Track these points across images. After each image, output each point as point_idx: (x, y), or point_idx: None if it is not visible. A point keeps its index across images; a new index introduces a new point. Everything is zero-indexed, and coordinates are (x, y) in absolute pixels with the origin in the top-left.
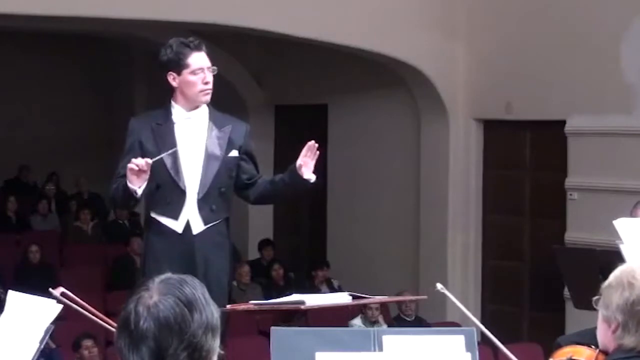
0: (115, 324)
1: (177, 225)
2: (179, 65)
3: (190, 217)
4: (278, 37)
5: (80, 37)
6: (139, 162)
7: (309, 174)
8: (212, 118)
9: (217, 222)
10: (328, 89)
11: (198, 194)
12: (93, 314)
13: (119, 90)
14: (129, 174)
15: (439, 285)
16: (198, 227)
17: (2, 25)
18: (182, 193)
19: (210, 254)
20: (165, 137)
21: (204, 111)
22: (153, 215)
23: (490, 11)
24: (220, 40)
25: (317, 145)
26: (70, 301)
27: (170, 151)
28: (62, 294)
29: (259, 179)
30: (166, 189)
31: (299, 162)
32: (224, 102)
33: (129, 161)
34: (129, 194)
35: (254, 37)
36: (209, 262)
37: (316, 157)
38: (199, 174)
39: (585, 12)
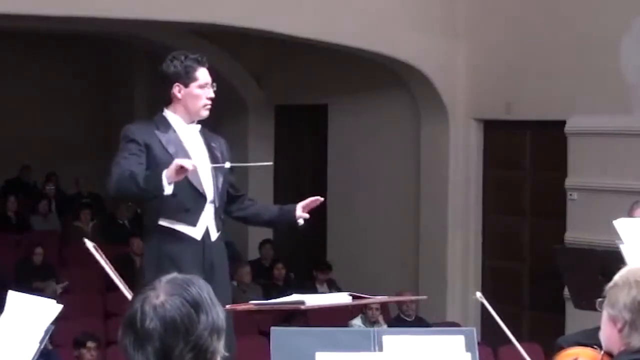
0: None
1: (195, 232)
2: (187, 78)
3: (209, 224)
4: (278, 37)
5: (80, 37)
6: (187, 163)
7: (300, 220)
8: (201, 131)
9: (222, 230)
10: (328, 89)
11: (215, 202)
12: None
13: (119, 90)
14: (171, 170)
15: (479, 294)
16: (214, 234)
17: (2, 25)
18: (202, 201)
19: (223, 260)
20: (175, 145)
21: (196, 125)
22: (165, 223)
23: (490, 11)
24: (220, 40)
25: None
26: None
27: (223, 165)
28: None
29: (245, 199)
30: (185, 196)
31: (299, 212)
32: (224, 102)
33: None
34: (159, 186)
35: (254, 37)
36: (223, 267)
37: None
38: (212, 183)
39: (585, 12)
